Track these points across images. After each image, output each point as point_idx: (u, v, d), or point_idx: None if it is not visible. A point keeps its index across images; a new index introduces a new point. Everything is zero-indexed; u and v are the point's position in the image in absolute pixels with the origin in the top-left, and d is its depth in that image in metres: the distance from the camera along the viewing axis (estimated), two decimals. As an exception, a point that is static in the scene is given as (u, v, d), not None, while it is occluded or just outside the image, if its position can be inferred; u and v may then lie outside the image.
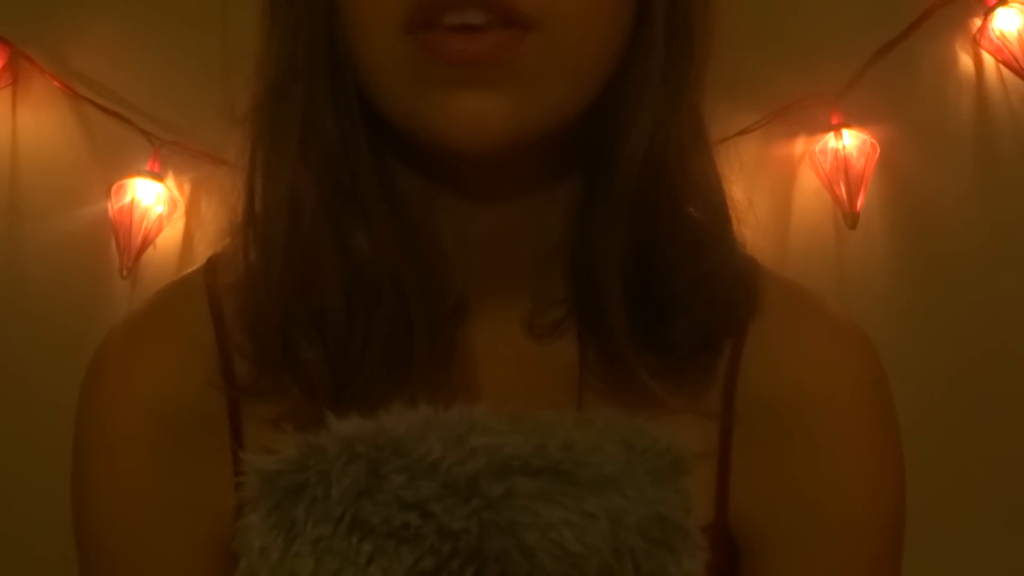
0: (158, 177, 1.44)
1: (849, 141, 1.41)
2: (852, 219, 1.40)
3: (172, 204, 1.45)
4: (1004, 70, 1.42)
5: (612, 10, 0.60)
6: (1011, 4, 1.39)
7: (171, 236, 1.45)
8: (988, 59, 1.43)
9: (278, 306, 0.62)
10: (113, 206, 1.41)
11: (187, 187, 1.46)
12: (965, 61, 1.43)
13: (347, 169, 0.62)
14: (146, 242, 1.42)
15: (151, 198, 1.42)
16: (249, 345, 0.64)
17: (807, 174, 1.44)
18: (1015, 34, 1.39)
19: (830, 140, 1.42)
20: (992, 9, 1.40)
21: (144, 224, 1.41)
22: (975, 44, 1.42)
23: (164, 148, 1.44)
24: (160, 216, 1.43)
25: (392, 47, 0.58)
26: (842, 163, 1.40)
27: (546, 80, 0.59)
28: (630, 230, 0.63)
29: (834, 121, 1.42)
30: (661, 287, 0.64)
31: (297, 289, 0.62)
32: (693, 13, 0.63)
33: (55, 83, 1.44)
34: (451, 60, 0.57)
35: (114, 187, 1.42)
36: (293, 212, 0.62)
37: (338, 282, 0.62)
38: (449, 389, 0.62)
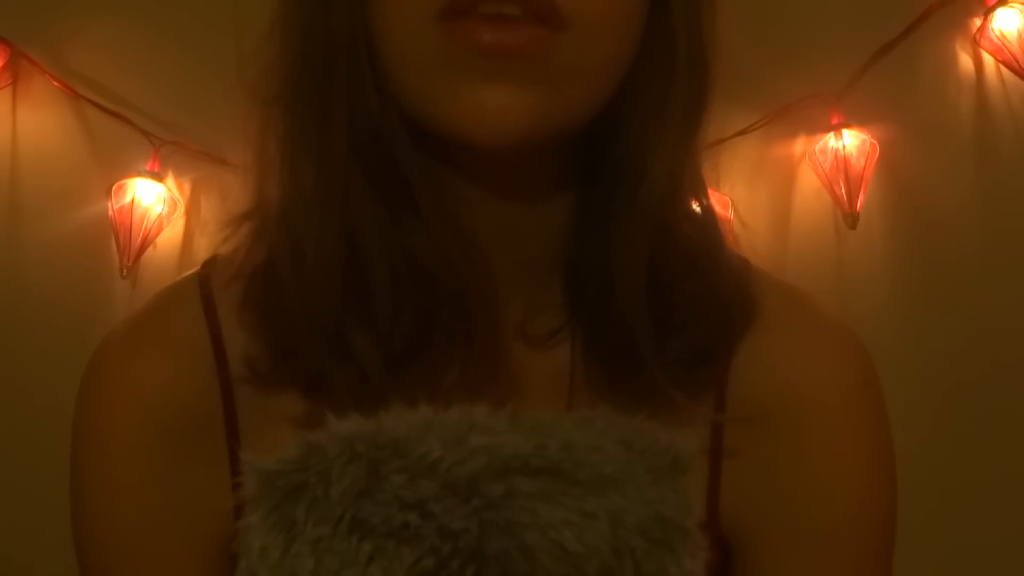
0: (158, 177, 1.44)
1: (849, 141, 1.41)
2: (852, 219, 1.40)
3: (172, 204, 1.45)
4: (1004, 70, 1.42)
5: (634, 14, 0.61)
6: (1011, 4, 1.39)
7: (171, 236, 1.46)
8: (988, 59, 1.43)
9: (322, 292, 0.62)
10: (113, 206, 1.42)
11: (187, 187, 1.46)
12: (965, 61, 1.43)
13: (387, 151, 0.62)
14: (146, 242, 1.42)
15: (151, 198, 1.43)
16: (269, 335, 0.64)
17: (807, 174, 1.44)
18: (1015, 34, 1.39)
19: (830, 140, 1.42)
20: (992, 9, 1.40)
21: (144, 224, 1.41)
22: (975, 44, 1.42)
23: (164, 148, 1.44)
24: (160, 216, 1.43)
25: (423, 34, 0.58)
26: (842, 163, 1.40)
27: (572, 80, 0.59)
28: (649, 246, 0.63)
29: (834, 121, 1.42)
30: (662, 304, 0.64)
31: (344, 273, 0.62)
32: (704, 23, 0.64)
33: (55, 83, 1.44)
34: (484, 51, 0.57)
35: (114, 187, 1.42)
36: (344, 192, 0.61)
37: (386, 266, 0.61)
38: (497, 376, 0.62)
